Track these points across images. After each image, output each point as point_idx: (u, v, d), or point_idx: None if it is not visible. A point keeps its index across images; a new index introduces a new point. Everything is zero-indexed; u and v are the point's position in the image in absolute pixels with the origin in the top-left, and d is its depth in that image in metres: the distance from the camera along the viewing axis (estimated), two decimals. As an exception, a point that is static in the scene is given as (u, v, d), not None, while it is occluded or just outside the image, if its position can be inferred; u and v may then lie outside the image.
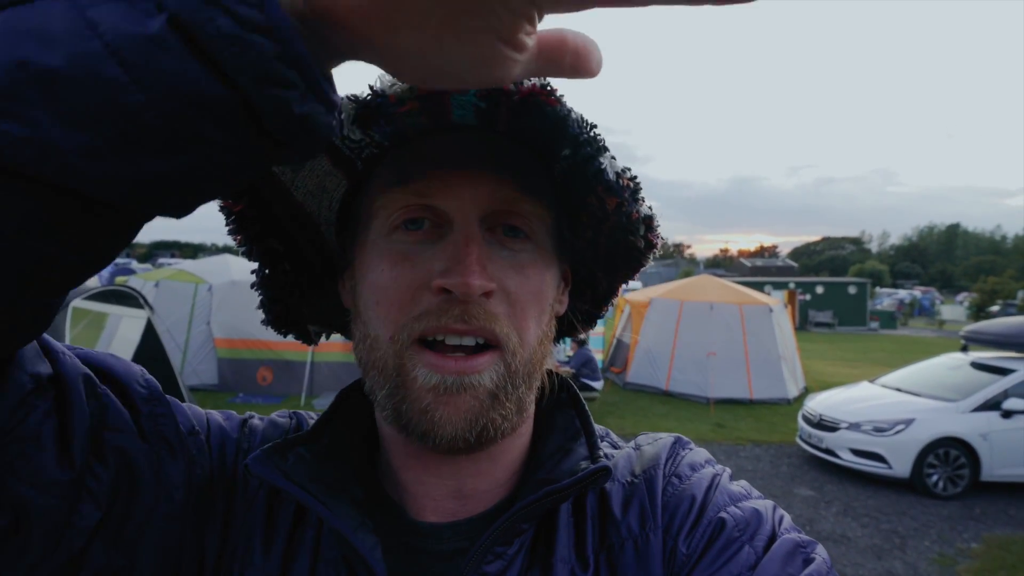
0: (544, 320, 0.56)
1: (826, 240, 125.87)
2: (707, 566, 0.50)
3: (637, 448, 0.63)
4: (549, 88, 0.45)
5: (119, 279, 11.60)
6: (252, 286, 0.59)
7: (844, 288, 29.44)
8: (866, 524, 5.83)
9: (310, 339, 0.68)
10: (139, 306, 6.41)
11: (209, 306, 9.32)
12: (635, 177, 0.53)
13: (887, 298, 42.71)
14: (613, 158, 0.51)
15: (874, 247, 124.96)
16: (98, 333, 8.71)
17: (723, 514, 0.53)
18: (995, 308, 32.70)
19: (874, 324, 29.08)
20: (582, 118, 0.48)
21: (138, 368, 0.56)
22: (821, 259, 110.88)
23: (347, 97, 0.43)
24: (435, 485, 0.57)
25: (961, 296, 53.81)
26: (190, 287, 9.45)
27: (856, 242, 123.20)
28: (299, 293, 0.62)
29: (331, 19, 0.29)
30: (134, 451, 0.50)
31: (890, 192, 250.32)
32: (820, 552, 0.50)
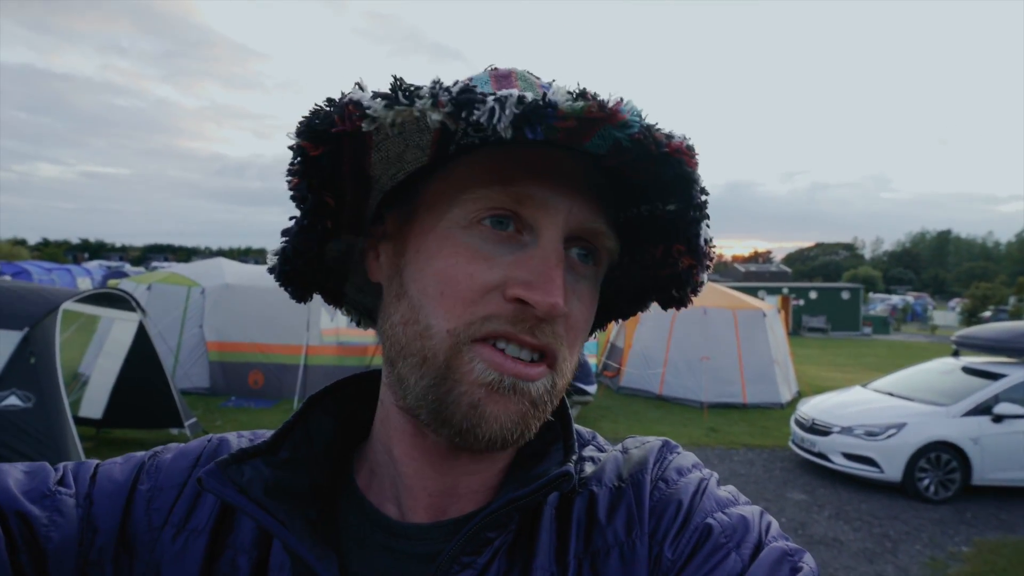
0: (582, 346, 0.57)
1: (820, 246, 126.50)
2: (693, 572, 0.50)
3: (624, 452, 0.63)
4: (693, 150, 0.46)
5: (111, 282, 11.54)
6: (283, 232, 0.57)
7: (837, 293, 29.57)
8: (858, 528, 5.85)
9: (303, 298, 0.65)
10: (131, 309, 6.36)
11: (202, 309, 9.27)
12: (715, 247, 0.55)
13: (880, 303, 42.89)
14: (708, 226, 0.52)
15: (867, 253, 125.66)
16: (89, 336, 8.67)
17: (710, 520, 0.53)
18: (987, 314, 32.96)
19: (867, 329, 29.20)
20: (703, 183, 0.49)
21: None
22: (815, 265, 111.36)
23: (517, 95, 0.42)
24: (433, 479, 0.57)
25: (953, 302, 54.07)
26: (183, 290, 9.40)
27: (849, 248, 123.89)
28: (320, 251, 0.60)
29: None
30: None
31: (884, 198, 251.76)
32: (808, 561, 0.50)
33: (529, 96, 0.42)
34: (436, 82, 0.44)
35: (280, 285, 0.62)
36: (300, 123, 0.47)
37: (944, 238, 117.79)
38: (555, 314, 0.48)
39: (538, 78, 0.54)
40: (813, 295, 29.14)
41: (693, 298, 0.59)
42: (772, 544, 0.51)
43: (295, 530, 0.52)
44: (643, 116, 0.44)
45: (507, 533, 0.54)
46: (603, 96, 0.43)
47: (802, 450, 7.46)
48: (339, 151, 0.50)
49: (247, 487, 0.53)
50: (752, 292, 22.38)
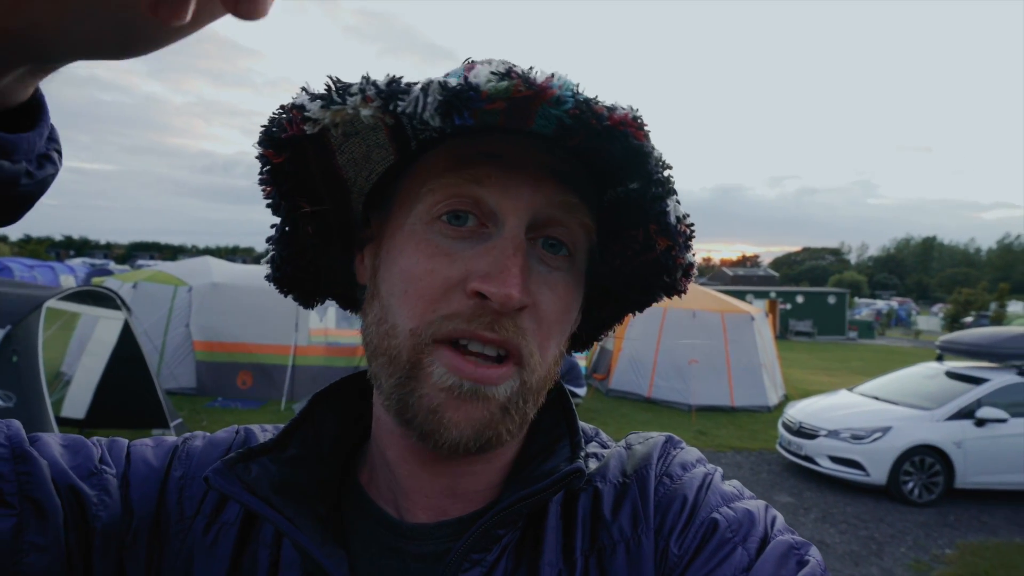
0: (563, 340, 0.56)
1: (807, 251, 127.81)
2: (699, 567, 0.50)
3: (628, 448, 0.62)
4: (640, 120, 0.43)
5: (96, 280, 11.36)
6: (267, 240, 0.57)
7: (824, 298, 29.88)
8: (844, 530, 5.90)
9: (309, 303, 0.66)
10: (116, 307, 6.27)
11: (188, 308, 9.15)
12: (692, 224, 0.52)
13: (865, 308, 43.44)
14: (678, 202, 0.49)
15: (853, 258, 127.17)
16: (71, 334, 8.54)
17: (715, 515, 0.53)
18: (969, 319, 33.38)
19: (852, 334, 29.52)
20: (661, 157, 0.47)
21: (2, 424, 0.52)
22: (801, 269, 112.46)
23: (438, 82, 0.41)
24: (429, 481, 0.56)
25: (936, 307, 54.88)
26: (169, 289, 9.28)
27: (836, 253, 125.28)
28: (312, 256, 0.60)
29: None
30: None
31: (870, 204, 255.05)
32: (814, 554, 0.50)
33: (452, 81, 0.41)
34: (365, 77, 0.43)
35: (279, 291, 0.62)
36: (260, 131, 0.47)
37: (929, 244, 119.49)
38: (510, 305, 0.47)
39: (515, 66, 0.54)
40: (800, 299, 29.43)
41: (687, 283, 0.56)
42: (778, 538, 0.51)
43: (304, 528, 0.51)
44: (578, 90, 0.42)
45: (514, 530, 0.53)
46: (533, 73, 0.41)
47: (789, 453, 7.52)
48: (304, 156, 0.50)
49: (254, 485, 0.52)
50: (740, 296, 22.56)
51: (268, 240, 0.57)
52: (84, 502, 0.52)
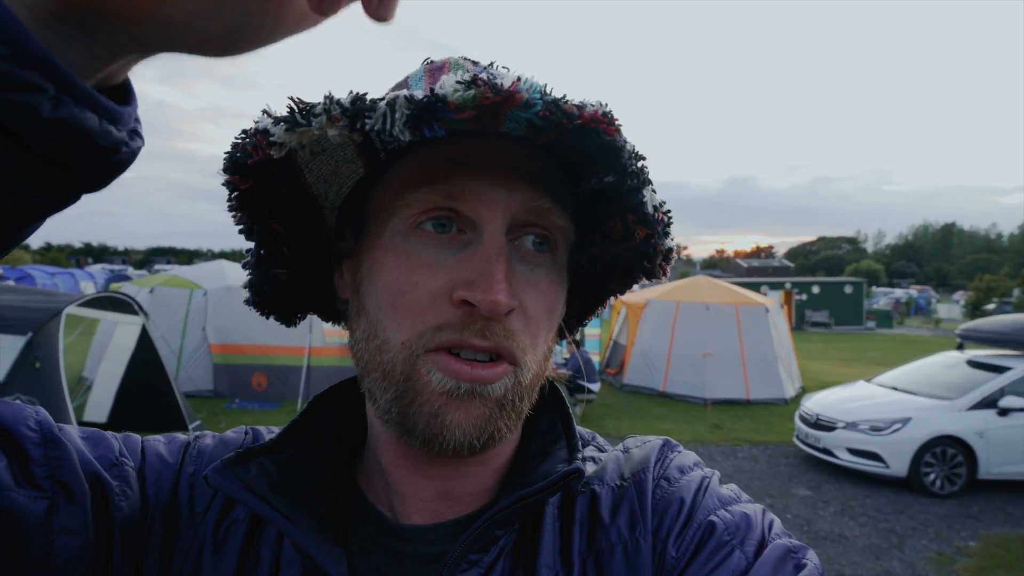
0: (551, 336, 0.56)
1: (822, 240, 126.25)
2: (697, 570, 0.50)
3: (625, 451, 0.62)
4: (611, 116, 0.44)
5: (114, 285, 11.54)
6: (243, 265, 0.58)
7: (840, 288, 29.52)
8: (864, 523, 5.84)
9: (290, 321, 0.66)
10: (134, 312, 6.38)
11: (204, 312, 9.28)
12: (669, 211, 0.53)
13: (883, 297, 42.84)
14: (654, 191, 0.50)
15: (870, 246, 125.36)
16: (90, 339, 8.70)
17: (713, 517, 0.53)
18: (991, 306, 32.82)
19: (870, 323, 29.14)
20: (634, 150, 0.47)
21: (31, 410, 0.53)
22: (817, 259, 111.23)
23: (404, 96, 0.41)
24: (424, 485, 0.57)
25: (957, 294, 53.94)
26: (185, 293, 9.42)
27: (852, 242, 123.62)
28: (290, 276, 0.61)
29: (87, 7, 0.28)
30: (15, 504, 0.47)
31: (886, 191, 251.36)
32: (811, 558, 0.50)
33: (419, 94, 0.41)
34: (328, 97, 0.43)
35: (261, 314, 0.62)
36: (224, 158, 0.47)
37: (948, 230, 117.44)
38: (498, 311, 0.47)
39: (475, 63, 0.53)
40: (816, 290, 29.11)
41: (667, 267, 0.57)
42: (776, 541, 0.51)
43: (302, 526, 0.52)
44: (546, 91, 0.42)
45: (511, 532, 0.54)
46: (499, 78, 0.41)
47: (807, 446, 7.45)
48: (272, 179, 0.50)
49: (253, 484, 0.53)
50: (754, 287, 22.34)
51: (244, 265, 0.58)
52: (107, 492, 0.53)
